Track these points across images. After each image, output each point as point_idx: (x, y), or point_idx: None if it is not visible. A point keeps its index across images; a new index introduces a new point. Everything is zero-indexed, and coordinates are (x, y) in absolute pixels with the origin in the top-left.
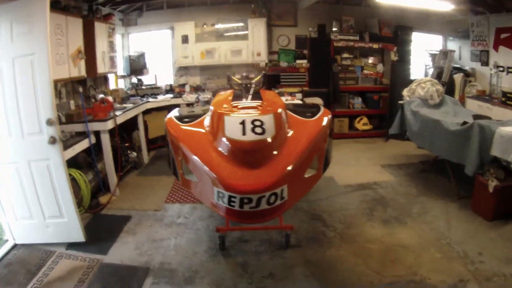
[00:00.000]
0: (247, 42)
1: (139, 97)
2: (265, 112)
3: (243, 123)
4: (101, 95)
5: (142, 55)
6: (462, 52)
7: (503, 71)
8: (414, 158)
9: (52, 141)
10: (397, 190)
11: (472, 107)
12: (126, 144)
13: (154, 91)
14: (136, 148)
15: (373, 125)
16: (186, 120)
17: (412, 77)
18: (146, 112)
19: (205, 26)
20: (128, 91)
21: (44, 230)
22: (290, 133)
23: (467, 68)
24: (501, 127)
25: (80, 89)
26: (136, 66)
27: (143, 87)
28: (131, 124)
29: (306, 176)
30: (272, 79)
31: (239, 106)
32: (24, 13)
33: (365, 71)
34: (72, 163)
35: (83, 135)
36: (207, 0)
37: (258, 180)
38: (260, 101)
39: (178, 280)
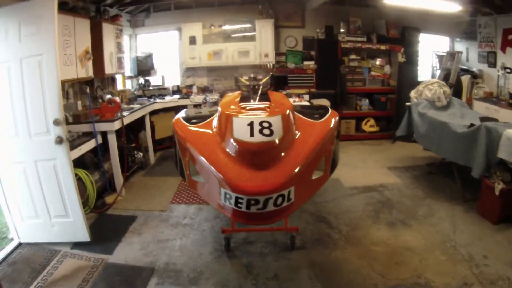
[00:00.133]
0: (254, 43)
1: (146, 98)
2: (273, 113)
3: (251, 124)
4: (109, 96)
5: (149, 56)
6: (469, 54)
7: (510, 72)
8: (420, 160)
9: (59, 141)
10: (403, 192)
11: (479, 109)
12: (133, 145)
13: (161, 92)
14: (143, 148)
15: (380, 127)
16: (194, 121)
17: (419, 79)
18: (153, 113)
19: (212, 27)
20: (135, 92)
21: (49, 229)
22: (298, 134)
23: (474, 69)
24: (508, 130)
25: (88, 90)
26: (144, 67)
27: (150, 88)
28: (138, 124)
29: (313, 177)
30: (280, 81)
31: (247, 108)
32: (32, 14)
33: (373, 73)
34: (78, 163)
35: (90, 135)
36: (215, 1)
37: (265, 181)
38: (268, 103)
39: (183, 281)
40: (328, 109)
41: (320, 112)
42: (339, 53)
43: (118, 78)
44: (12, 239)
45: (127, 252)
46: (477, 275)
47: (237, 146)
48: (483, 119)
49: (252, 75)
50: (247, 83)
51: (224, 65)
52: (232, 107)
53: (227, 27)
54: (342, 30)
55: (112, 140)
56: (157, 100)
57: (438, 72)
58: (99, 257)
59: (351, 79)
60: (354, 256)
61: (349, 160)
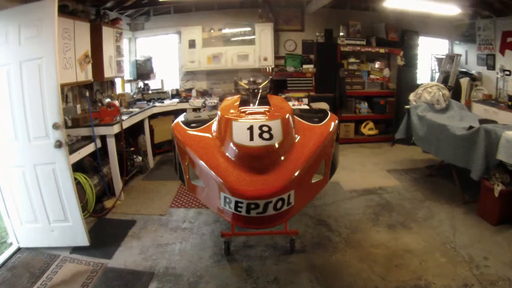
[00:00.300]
0: (254, 47)
1: (146, 102)
2: (272, 117)
3: (250, 128)
4: (108, 100)
5: (149, 60)
6: (468, 56)
7: (509, 75)
8: (420, 163)
9: (58, 145)
10: (403, 195)
11: (478, 112)
12: (132, 149)
13: (160, 95)
14: (142, 152)
15: (379, 130)
16: (193, 125)
17: (418, 82)
18: (152, 116)
19: (212, 31)
20: (135, 96)
21: (48, 234)
22: (298, 138)
23: (473, 72)
24: (507, 132)
25: (87, 93)
26: (143, 71)
27: (150, 92)
28: (137, 128)
29: (313, 181)
30: (279, 84)
31: (247, 112)
32: (32, 17)
33: (372, 76)
34: (77, 167)
35: (89, 139)
36: (215, 5)
37: (265, 185)
38: (268, 107)
39: (183, 285)
40: (328, 113)
41: (319, 115)
42: (339, 56)
43: (118, 81)
44: (11, 244)
45: (127, 256)
46: (477, 276)
47: (236, 150)
48: (482, 121)
49: (251, 79)
50: (247, 86)
51: (224, 69)
52: (232, 111)
53: (226, 31)
54: (341, 34)
55: (111, 144)
56: (156, 104)
57: (437, 75)
58: (99, 262)
59: (350, 83)
60: (354, 259)
61: (349, 163)
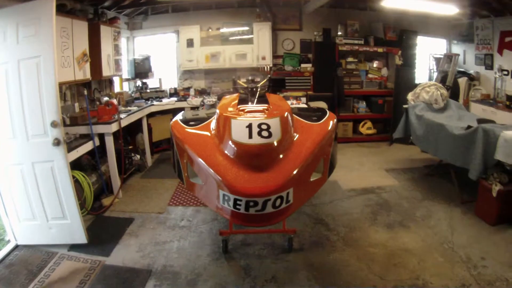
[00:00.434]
0: (252, 46)
1: (144, 100)
2: (271, 115)
3: (249, 126)
4: (106, 98)
5: (147, 59)
6: (466, 56)
7: (507, 74)
8: (418, 162)
9: (56, 143)
10: (401, 194)
11: (476, 111)
12: (130, 147)
13: (158, 94)
14: (140, 151)
15: (377, 129)
16: (192, 123)
17: (416, 81)
18: (151, 115)
19: (210, 30)
20: (133, 94)
21: (46, 231)
22: (296, 136)
23: (471, 72)
24: (505, 131)
25: (85, 92)
26: (141, 69)
27: (148, 90)
28: (135, 127)
29: (311, 179)
30: (277, 83)
31: (246, 110)
32: (30, 15)
33: (370, 75)
34: (75, 165)
35: (87, 137)
36: (213, 4)
37: (264, 183)
38: (266, 105)
39: (181, 283)
40: (326, 112)
41: (318, 114)
42: (337, 55)
43: (116, 80)
44: (9, 241)
45: (125, 254)
46: (475, 276)
47: (235, 148)
48: (480, 121)
49: (250, 78)
50: (245, 85)
51: (222, 68)
52: (230, 109)
53: (224, 30)
54: (339, 33)
55: (110, 142)
56: (155, 103)
57: (435, 75)
58: (96, 259)
59: (349, 82)
60: (352, 258)
61: (347, 162)
